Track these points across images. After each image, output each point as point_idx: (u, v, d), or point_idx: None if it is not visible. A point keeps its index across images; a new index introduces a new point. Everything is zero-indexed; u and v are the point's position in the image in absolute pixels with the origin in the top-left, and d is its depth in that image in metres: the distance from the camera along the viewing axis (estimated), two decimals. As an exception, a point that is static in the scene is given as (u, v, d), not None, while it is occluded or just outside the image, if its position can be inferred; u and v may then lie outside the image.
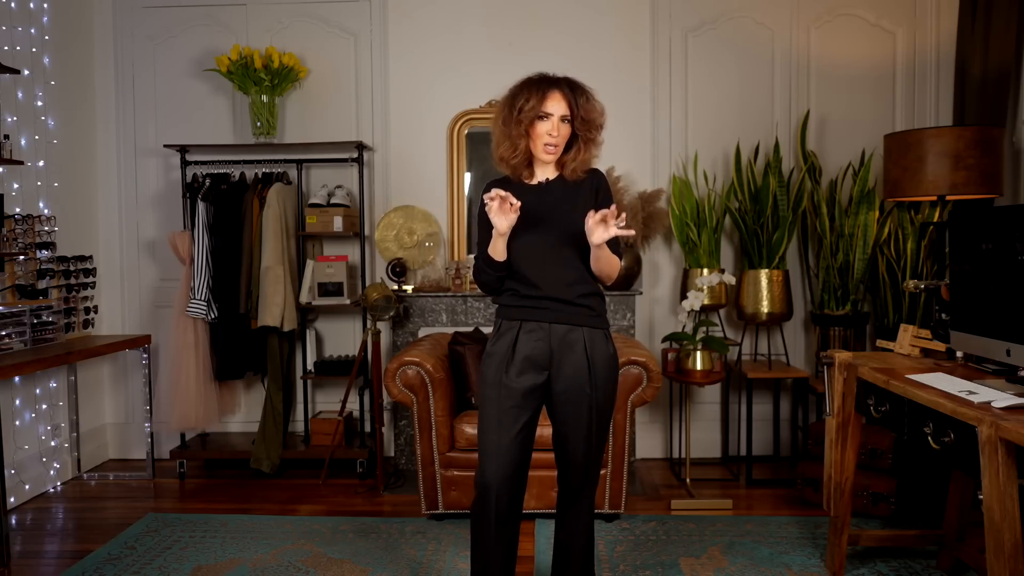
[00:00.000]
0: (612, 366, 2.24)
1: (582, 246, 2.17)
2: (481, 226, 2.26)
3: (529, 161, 2.25)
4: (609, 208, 2.03)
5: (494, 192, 2.06)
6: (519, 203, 2.07)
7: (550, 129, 2.15)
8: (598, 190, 2.25)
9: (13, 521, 3.50)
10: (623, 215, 2.03)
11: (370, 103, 4.37)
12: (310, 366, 4.28)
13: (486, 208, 2.08)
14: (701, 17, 4.28)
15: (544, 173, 2.27)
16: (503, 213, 2.07)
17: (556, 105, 2.15)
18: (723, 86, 4.30)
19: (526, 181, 2.28)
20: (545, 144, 2.17)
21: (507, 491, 2.22)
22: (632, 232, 2.05)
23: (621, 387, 3.24)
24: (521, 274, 2.21)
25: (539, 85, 2.17)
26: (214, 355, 4.14)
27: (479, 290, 2.28)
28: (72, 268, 4.04)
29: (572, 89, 2.18)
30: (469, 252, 4.31)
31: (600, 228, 2.04)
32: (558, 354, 2.20)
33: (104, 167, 4.45)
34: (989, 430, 1.88)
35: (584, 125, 2.18)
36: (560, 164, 2.25)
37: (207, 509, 3.62)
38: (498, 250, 2.15)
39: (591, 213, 2.06)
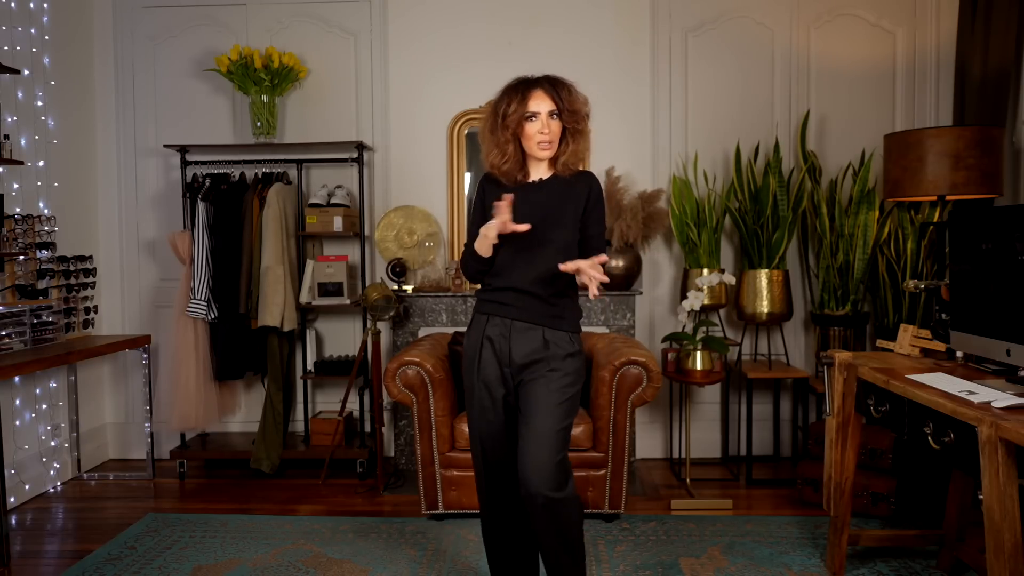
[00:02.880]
0: (569, 359, 2.21)
1: (565, 247, 2.20)
2: (473, 214, 2.34)
3: (522, 163, 2.27)
4: (591, 261, 2.01)
5: (503, 205, 2.08)
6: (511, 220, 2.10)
7: (540, 127, 2.17)
8: (588, 197, 2.26)
9: (13, 521, 3.50)
10: (598, 267, 2.00)
11: (370, 103, 4.37)
12: (310, 366, 4.28)
13: (493, 212, 2.11)
14: (701, 17, 4.28)
15: (538, 172, 2.29)
16: (501, 223, 2.08)
17: (540, 103, 2.17)
18: (723, 86, 4.30)
19: (519, 179, 2.29)
20: (539, 143, 2.19)
21: (509, 494, 2.31)
22: (604, 279, 2.01)
23: (621, 387, 3.24)
24: (499, 268, 2.25)
25: (520, 87, 2.19)
26: (214, 355, 4.14)
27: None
28: (72, 268, 4.04)
29: (553, 84, 2.19)
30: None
31: (591, 283, 2.00)
32: (515, 348, 2.22)
33: (104, 167, 4.45)
34: (989, 430, 1.88)
35: (572, 117, 2.20)
36: (553, 160, 2.27)
37: (207, 509, 3.62)
38: (485, 248, 2.20)
39: (580, 268, 2.02)
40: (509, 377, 2.26)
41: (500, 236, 2.15)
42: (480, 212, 2.30)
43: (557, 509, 2.13)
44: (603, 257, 2.00)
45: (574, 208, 2.24)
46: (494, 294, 2.26)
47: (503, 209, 2.08)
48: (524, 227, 2.09)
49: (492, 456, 2.30)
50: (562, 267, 2.04)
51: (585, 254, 2.21)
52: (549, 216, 2.22)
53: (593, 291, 1.97)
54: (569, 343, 2.23)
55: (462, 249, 4.25)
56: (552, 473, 2.11)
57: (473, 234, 2.26)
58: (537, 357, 2.21)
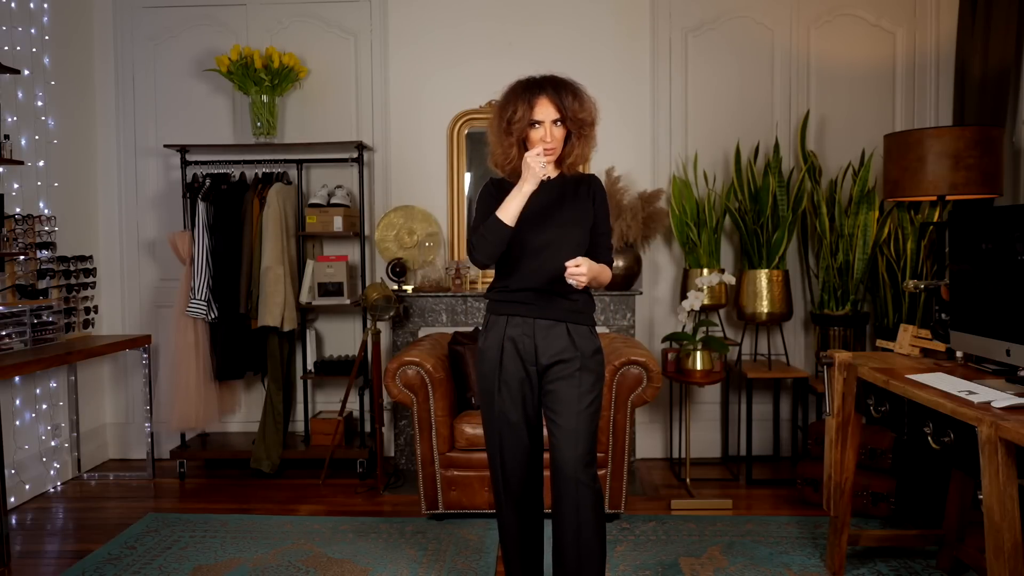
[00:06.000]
0: (595, 356, 2.26)
1: (577, 245, 2.22)
2: (481, 204, 2.29)
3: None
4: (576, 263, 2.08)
5: (539, 149, 2.12)
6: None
7: (543, 135, 2.18)
8: (595, 201, 2.29)
9: (13, 521, 3.50)
10: (575, 267, 2.07)
11: (370, 103, 4.37)
12: (310, 366, 4.28)
13: (532, 161, 2.09)
14: (701, 17, 4.28)
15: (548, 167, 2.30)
16: (537, 167, 2.08)
17: (545, 111, 2.17)
18: (723, 86, 4.30)
19: None
20: (543, 150, 2.19)
21: (526, 495, 2.35)
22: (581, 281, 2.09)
23: (621, 387, 3.24)
24: (511, 268, 2.25)
25: (525, 93, 2.18)
26: (214, 355, 4.14)
27: (471, 261, 2.29)
28: (72, 268, 4.04)
29: (558, 90, 2.18)
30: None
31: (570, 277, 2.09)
32: (542, 346, 2.24)
33: (104, 167, 4.45)
34: (989, 430, 1.88)
35: (576, 124, 2.20)
36: (558, 160, 2.28)
37: (207, 509, 3.62)
38: (512, 212, 2.13)
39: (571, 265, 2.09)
40: (534, 376, 2.26)
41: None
42: (492, 205, 2.22)
43: (592, 495, 2.19)
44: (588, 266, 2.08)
45: (582, 208, 2.26)
46: (512, 295, 2.26)
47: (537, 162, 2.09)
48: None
49: (510, 456, 2.30)
50: (568, 264, 2.08)
51: (595, 254, 2.25)
52: (558, 215, 2.24)
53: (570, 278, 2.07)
54: (591, 337, 2.27)
55: (462, 249, 4.29)
56: (586, 464, 2.19)
57: (485, 217, 2.20)
58: (566, 356, 2.22)
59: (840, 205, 3.93)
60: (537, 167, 2.08)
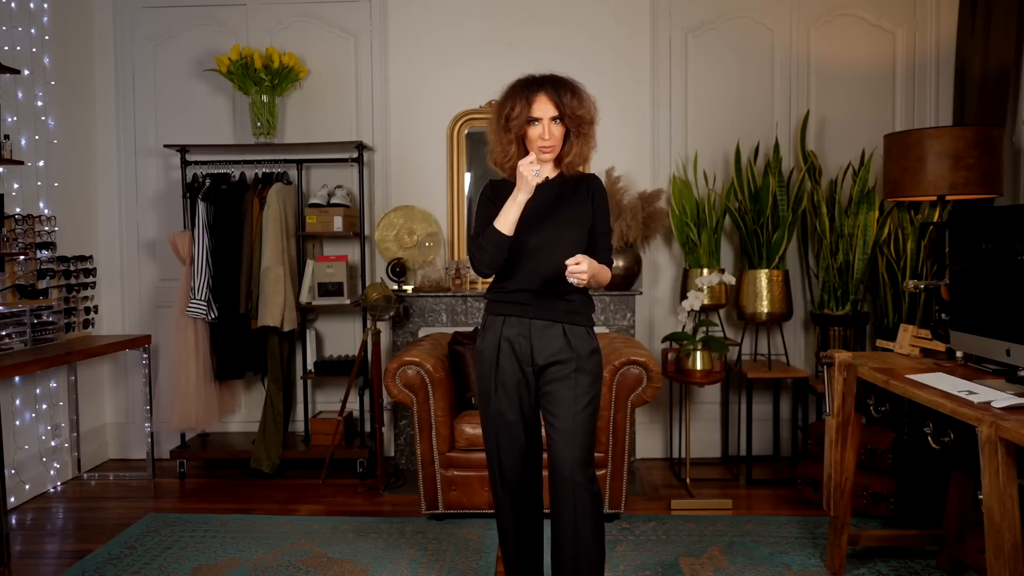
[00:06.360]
0: (592, 357, 2.25)
1: (575, 245, 2.21)
2: (480, 211, 2.30)
3: None
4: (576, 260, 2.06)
5: (532, 158, 2.09)
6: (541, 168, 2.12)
7: (541, 132, 2.18)
8: (594, 199, 2.28)
9: (13, 521, 3.50)
10: (575, 265, 2.05)
11: (370, 103, 4.37)
12: (310, 366, 4.28)
13: (524, 170, 2.07)
14: (701, 17, 4.28)
15: (543, 170, 2.28)
16: (530, 176, 2.07)
17: (543, 108, 2.16)
18: (723, 86, 4.30)
19: None
20: (540, 147, 2.20)
21: (525, 496, 2.35)
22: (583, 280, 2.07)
23: (621, 387, 3.24)
24: (509, 269, 2.24)
25: (523, 91, 2.18)
26: (214, 355, 4.14)
27: (474, 271, 2.28)
28: (72, 268, 4.04)
29: (557, 88, 2.18)
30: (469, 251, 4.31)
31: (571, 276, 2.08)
32: (538, 347, 2.24)
33: (104, 167, 4.45)
34: (989, 430, 1.88)
35: (575, 121, 2.19)
36: (558, 159, 2.27)
37: (207, 509, 3.62)
38: (509, 222, 2.13)
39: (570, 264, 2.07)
40: (531, 376, 2.26)
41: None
42: (491, 209, 2.23)
43: (590, 496, 2.19)
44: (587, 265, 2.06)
45: (581, 207, 2.26)
46: (509, 295, 2.26)
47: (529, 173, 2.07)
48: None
49: (507, 456, 2.30)
50: (568, 262, 2.06)
51: (594, 254, 2.24)
52: (556, 215, 2.23)
53: (571, 276, 2.05)
54: (588, 338, 2.25)
55: (462, 249, 4.29)
56: (584, 465, 2.19)
57: (483, 225, 2.21)
58: (562, 357, 2.21)
59: (840, 205, 3.93)
60: (530, 175, 2.07)
